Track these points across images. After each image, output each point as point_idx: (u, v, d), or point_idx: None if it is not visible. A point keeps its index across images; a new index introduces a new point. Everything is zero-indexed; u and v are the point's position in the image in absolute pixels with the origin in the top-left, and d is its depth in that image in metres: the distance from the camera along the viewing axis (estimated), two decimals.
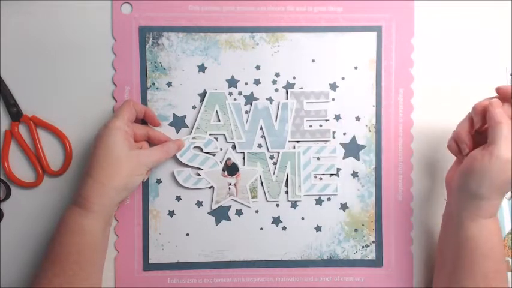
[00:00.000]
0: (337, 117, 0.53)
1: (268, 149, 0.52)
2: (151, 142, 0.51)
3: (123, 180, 0.46)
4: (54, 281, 0.44)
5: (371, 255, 0.53)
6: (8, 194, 0.51)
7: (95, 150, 0.46)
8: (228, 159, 0.52)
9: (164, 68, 0.52)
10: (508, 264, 0.53)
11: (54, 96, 0.52)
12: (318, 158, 0.53)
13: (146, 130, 0.51)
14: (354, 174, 0.53)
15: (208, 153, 0.52)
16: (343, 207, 0.53)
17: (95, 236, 0.46)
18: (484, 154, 0.43)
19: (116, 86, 0.52)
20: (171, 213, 0.52)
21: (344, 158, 0.53)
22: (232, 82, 0.53)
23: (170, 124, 0.52)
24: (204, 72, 0.52)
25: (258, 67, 0.53)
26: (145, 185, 0.52)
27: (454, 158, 0.49)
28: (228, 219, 0.53)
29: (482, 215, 0.45)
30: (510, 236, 0.54)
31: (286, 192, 0.53)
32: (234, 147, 0.52)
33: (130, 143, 0.48)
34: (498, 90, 0.45)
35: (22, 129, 0.52)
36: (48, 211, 0.52)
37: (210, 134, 0.52)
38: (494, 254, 0.45)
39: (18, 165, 0.52)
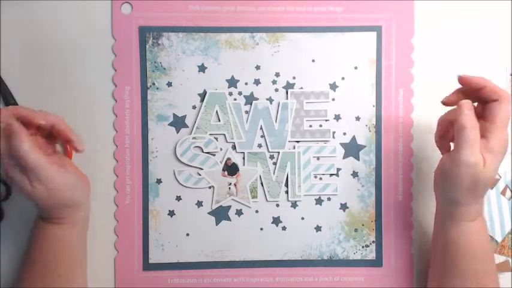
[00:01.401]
0: (337, 117, 0.53)
1: (268, 149, 0.52)
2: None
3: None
4: None
5: (371, 255, 0.53)
6: (8, 194, 0.51)
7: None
8: (228, 159, 0.52)
9: (164, 68, 0.52)
10: (507, 264, 0.53)
11: (54, 96, 0.52)
12: (318, 158, 0.53)
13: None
14: (354, 174, 0.53)
15: (208, 153, 0.52)
16: (343, 207, 0.53)
17: (70, 241, 0.46)
18: (450, 160, 0.42)
19: (116, 86, 0.52)
20: (171, 213, 0.52)
21: (344, 158, 0.53)
22: (232, 82, 0.53)
23: (170, 124, 0.52)
24: (204, 72, 0.52)
25: (258, 67, 0.53)
26: (145, 184, 0.52)
27: None
28: (228, 219, 0.53)
29: (465, 219, 0.44)
30: (510, 236, 0.53)
31: (286, 192, 0.53)
32: (234, 147, 0.52)
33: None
34: (460, 79, 0.44)
35: None
36: None
37: (210, 134, 0.52)
38: (482, 255, 0.45)
39: None
